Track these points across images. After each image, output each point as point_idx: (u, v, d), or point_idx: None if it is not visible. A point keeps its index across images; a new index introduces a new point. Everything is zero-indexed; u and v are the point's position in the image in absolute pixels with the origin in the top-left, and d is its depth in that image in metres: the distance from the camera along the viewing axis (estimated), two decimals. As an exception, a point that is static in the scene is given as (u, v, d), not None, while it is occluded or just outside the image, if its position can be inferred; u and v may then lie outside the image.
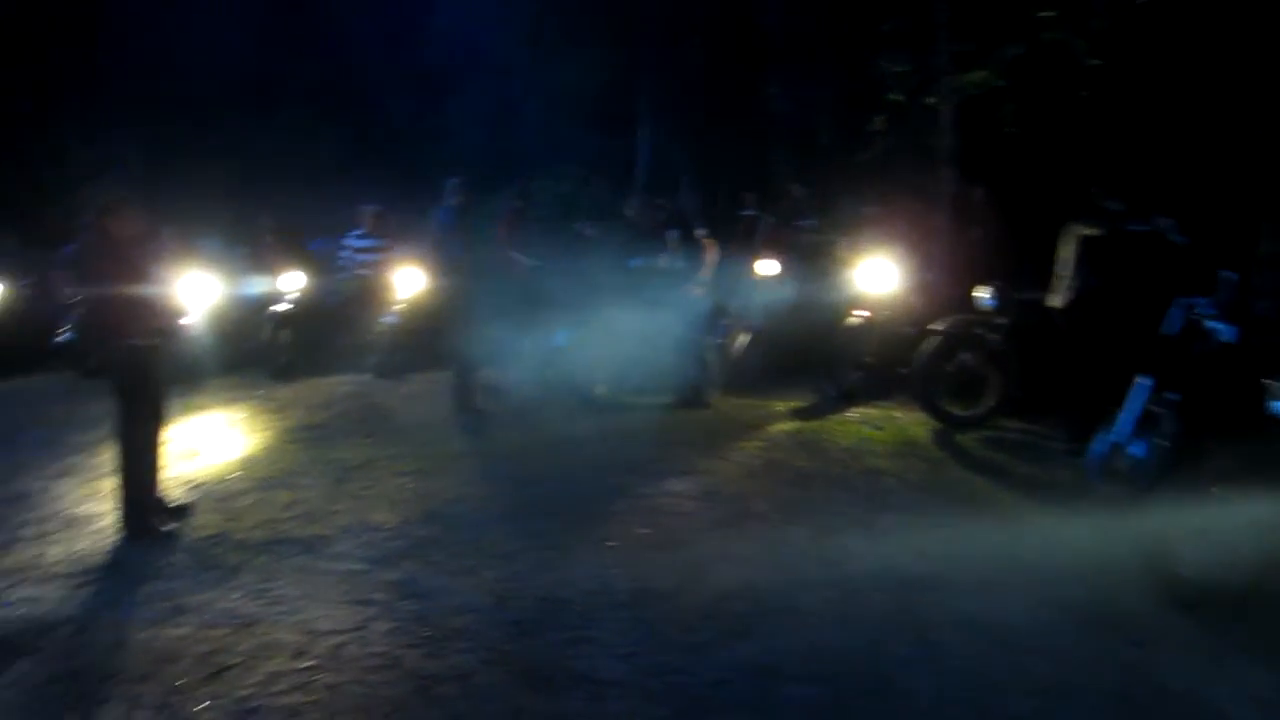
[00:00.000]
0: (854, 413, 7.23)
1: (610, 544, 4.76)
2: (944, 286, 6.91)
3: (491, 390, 7.76)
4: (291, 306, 9.48)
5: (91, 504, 5.63)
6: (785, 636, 3.80)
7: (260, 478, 6.04)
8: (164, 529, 5.05)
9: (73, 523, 5.29)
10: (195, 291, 9.51)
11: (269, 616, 4.02)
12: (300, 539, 4.93)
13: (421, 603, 4.13)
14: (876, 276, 7.25)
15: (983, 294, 6.72)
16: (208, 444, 6.97)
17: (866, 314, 7.28)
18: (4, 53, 15.59)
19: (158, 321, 5.05)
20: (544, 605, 4.10)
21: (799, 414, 7.20)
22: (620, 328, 6.97)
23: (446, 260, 7.91)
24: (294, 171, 13.06)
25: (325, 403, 8.30)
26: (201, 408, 8.39)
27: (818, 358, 7.58)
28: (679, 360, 7.27)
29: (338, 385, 9.08)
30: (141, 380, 5.05)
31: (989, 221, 6.89)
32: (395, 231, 9.60)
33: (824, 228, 8.61)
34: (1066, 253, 6.14)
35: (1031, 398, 6.74)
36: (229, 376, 9.57)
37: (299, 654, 3.70)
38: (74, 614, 4.10)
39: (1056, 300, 6.19)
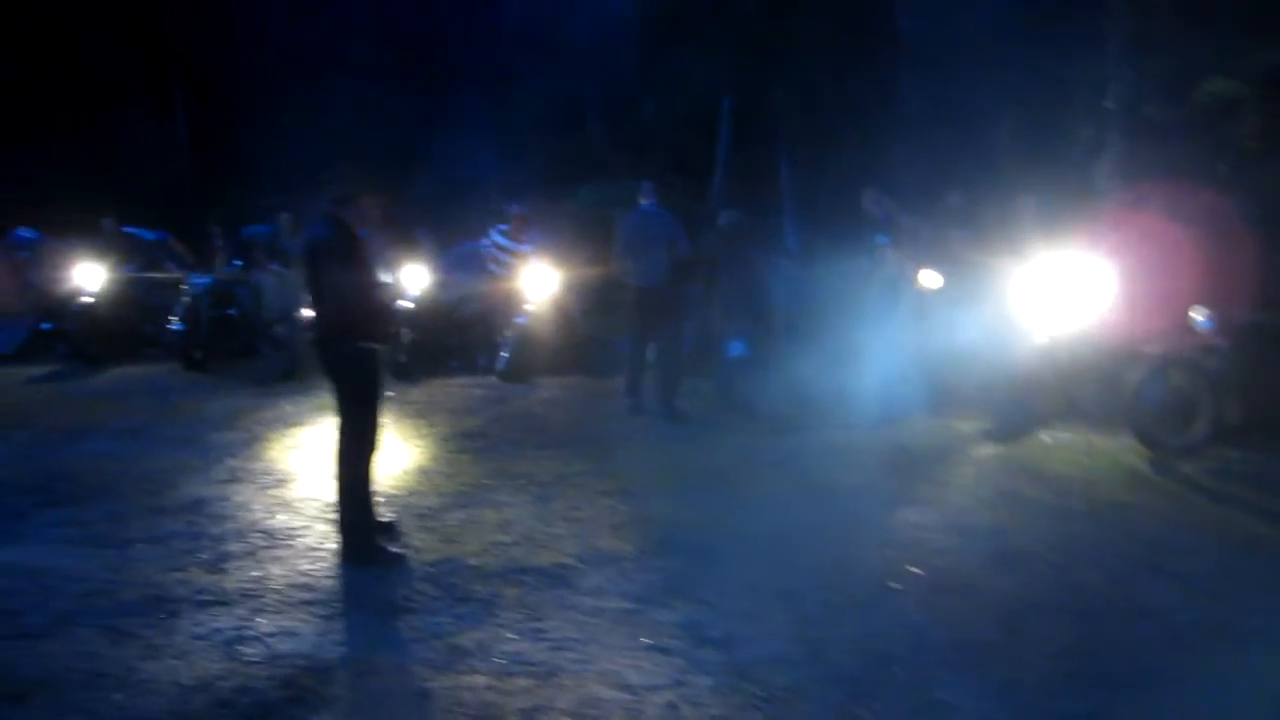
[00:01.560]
0: (1045, 437, 6.80)
1: (893, 585, 4.33)
2: (1156, 305, 6.49)
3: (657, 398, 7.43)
4: (413, 305, 9.05)
5: (283, 516, 5.20)
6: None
7: (451, 493, 5.62)
8: (393, 549, 4.62)
9: (276, 539, 4.86)
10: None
11: (566, 665, 3.58)
12: (542, 568, 4.49)
13: (725, 652, 3.69)
14: (1076, 292, 6.79)
15: (1198, 315, 6.33)
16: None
17: (1054, 334, 6.84)
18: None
19: (391, 323, 4.62)
20: (866, 660, 3.65)
21: (991, 437, 6.76)
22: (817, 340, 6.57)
23: (635, 262, 7.50)
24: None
25: (465, 407, 7.89)
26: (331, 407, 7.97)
27: (998, 379, 7.13)
28: (879, 378, 6.86)
29: (467, 388, 8.67)
30: (375, 389, 4.62)
31: (1233, 235, 6.46)
32: (536, 234, 9.18)
33: (982, 237, 8.15)
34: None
35: (1249, 426, 6.34)
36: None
37: (633, 714, 3.27)
38: (345, 654, 3.67)
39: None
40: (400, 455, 6.38)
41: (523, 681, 3.46)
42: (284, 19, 20.60)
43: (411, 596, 4.19)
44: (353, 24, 21.56)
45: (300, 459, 6.37)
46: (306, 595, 4.19)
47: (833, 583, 4.36)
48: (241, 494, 5.62)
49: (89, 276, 9.80)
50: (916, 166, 9.09)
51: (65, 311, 9.99)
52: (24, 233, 10.63)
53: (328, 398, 8.05)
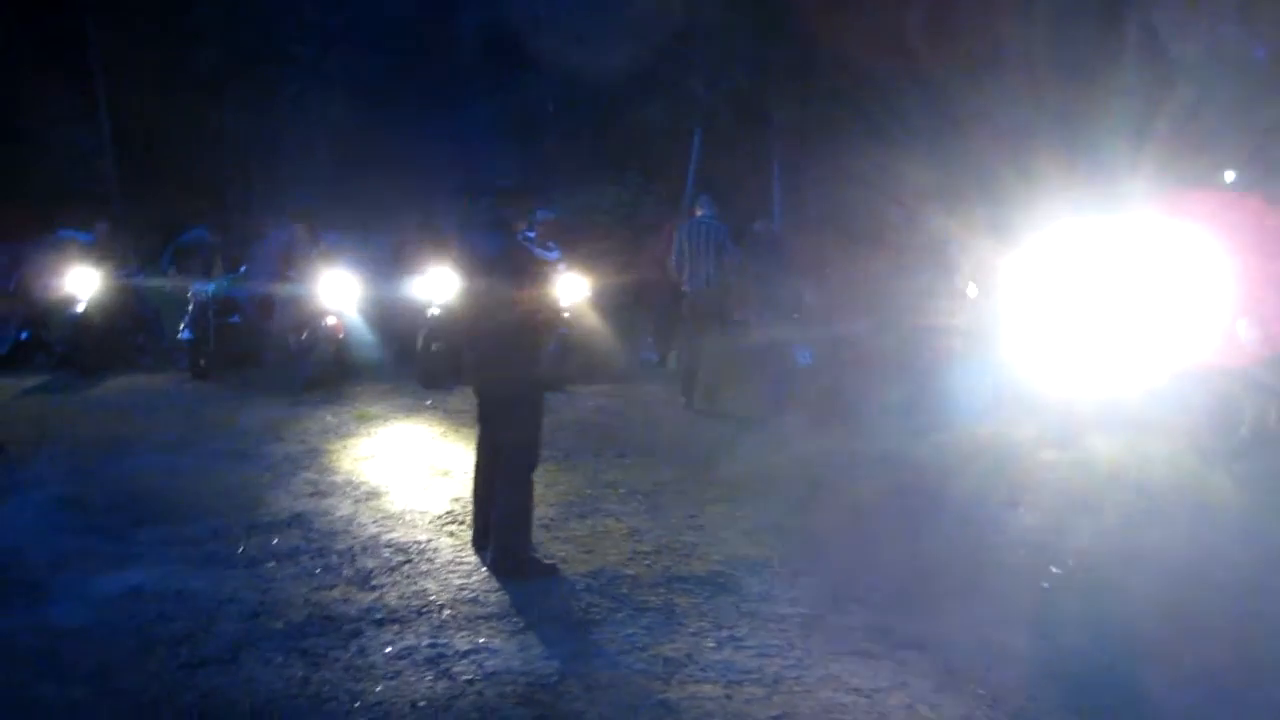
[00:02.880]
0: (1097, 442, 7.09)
1: (1044, 584, 4.47)
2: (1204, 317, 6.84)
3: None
4: (442, 312, 8.88)
5: (399, 530, 5.06)
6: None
7: (559, 502, 5.54)
8: (545, 560, 4.55)
9: (409, 553, 4.72)
10: (342, 292, 8.90)
11: (783, 672, 3.58)
12: (699, 577, 4.48)
13: (927, 653, 3.75)
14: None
15: (1242, 329, 6.72)
16: (443, 460, 6.42)
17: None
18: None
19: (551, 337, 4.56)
20: (1065, 655, 3.78)
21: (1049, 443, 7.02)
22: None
23: (690, 269, 7.58)
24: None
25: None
26: (381, 417, 7.79)
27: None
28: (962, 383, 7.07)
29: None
30: (540, 407, 4.54)
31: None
32: (566, 239, 9.12)
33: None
34: None
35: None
36: (374, 383, 8.97)
37: (879, 716, 3.31)
38: (561, 668, 3.59)
39: None
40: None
41: (754, 690, 3.46)
42: (220, 17, 19.98)
43: (589, 608, 4.14)
44: (305, 21, 21.00)
45: (376, 471, 6.21)
46: (480, 610, 4.08)
47: (986, 583, 4.48)
48: (339, 508, 5.43)
49: (80, 282, 9.29)
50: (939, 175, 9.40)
51: (52, 319, 9.46)
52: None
53: (364, 407, 8.05)
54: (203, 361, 9.23)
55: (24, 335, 9.82)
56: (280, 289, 8.83)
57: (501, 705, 3.31)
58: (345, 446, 6.81)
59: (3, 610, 4.03)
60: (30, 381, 9.10)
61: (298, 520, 5.21)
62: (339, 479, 6.01)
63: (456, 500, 5.49)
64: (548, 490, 5.76)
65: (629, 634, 3.89)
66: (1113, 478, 6.21)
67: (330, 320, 8.66)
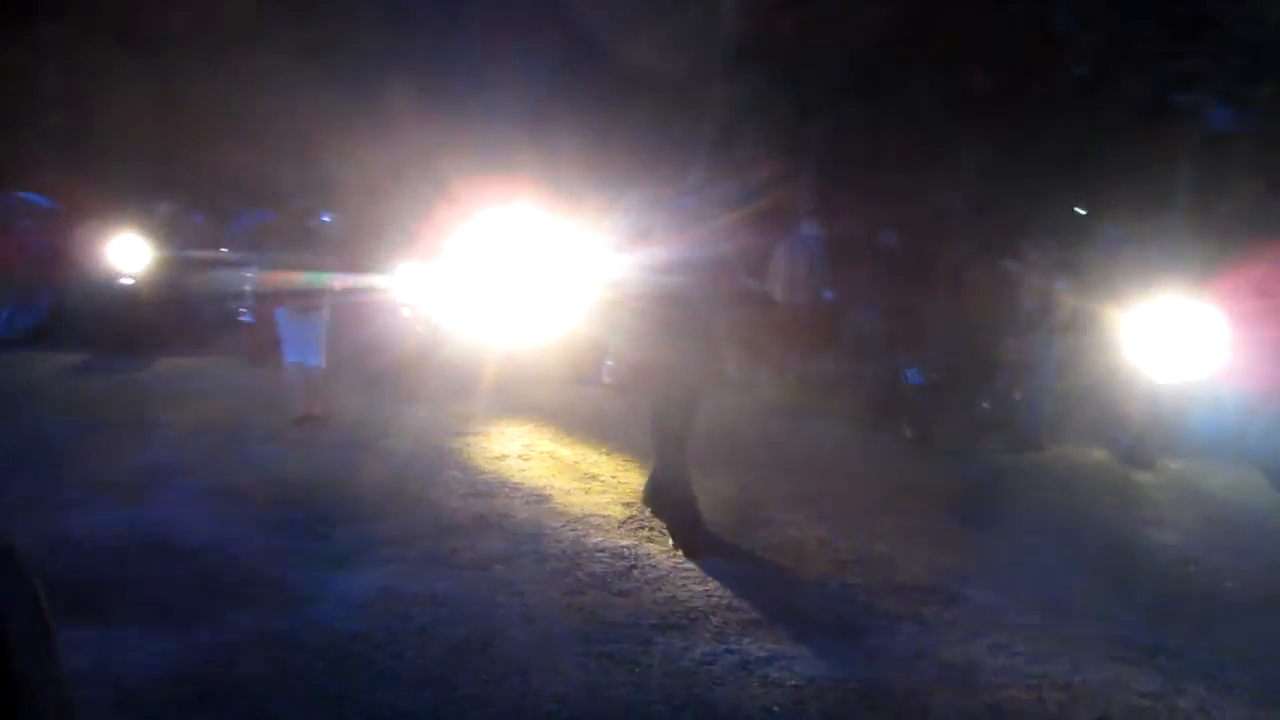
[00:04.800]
0: (1172, 464, 7.58)
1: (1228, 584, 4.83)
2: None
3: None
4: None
5: (601, 534, 5.04)
6: None
7: (724, 509, 5.59)
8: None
9: (628, 559, 4.70)
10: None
11: (1072, 678, 3.75)
12: (925, 587, 4.63)
13: (1178, 660, 3.99)
14: (1192, 338, 7.60)
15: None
16: (574, 459, 6.41)
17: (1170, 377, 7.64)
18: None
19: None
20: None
21: (1126, 462, 7.47)
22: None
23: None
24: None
25: (600, 421, 7.69)
26: (471, 413, 7.67)
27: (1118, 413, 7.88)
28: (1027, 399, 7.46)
29: (557, 394, 8.45)
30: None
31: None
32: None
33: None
34: None
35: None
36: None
37: (1175, 715, 3.53)
38: (868, 675, 3.69)
39: None
40: (622, 469, 6.28)
41: (1056, 694, 3.64)
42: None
43: (844, 616, 4.26)
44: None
45: (525, 470, 6.14)
46: (745, 617, 4.13)
47: (1178, 594, 4.80)
48: (518, 510, 5.35)
49: (129, 256, 8.81)
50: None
51: (91, 294, 8.95)
52: (29, 197, 9.40)
53: (465, 404, 7.88)
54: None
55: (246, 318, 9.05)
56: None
57: (848, 709, 3.40)
58: (467, 444, 6.70)
59: (261, 610, 3.87)
60: (67, 359, 8.58)
61: (484, 521, 5.13)
62: (490, 479, 5.91)
63: (628, 506, 5.50)
64: (708, 498, 5.86)
65: (902, 641, 4.03)
66: (1203, 495, 6.70)
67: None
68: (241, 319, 8.91)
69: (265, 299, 7.64)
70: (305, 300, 6.76)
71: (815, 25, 10.24)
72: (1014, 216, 10.42)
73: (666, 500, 5.22)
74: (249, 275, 8.75)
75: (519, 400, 8.11)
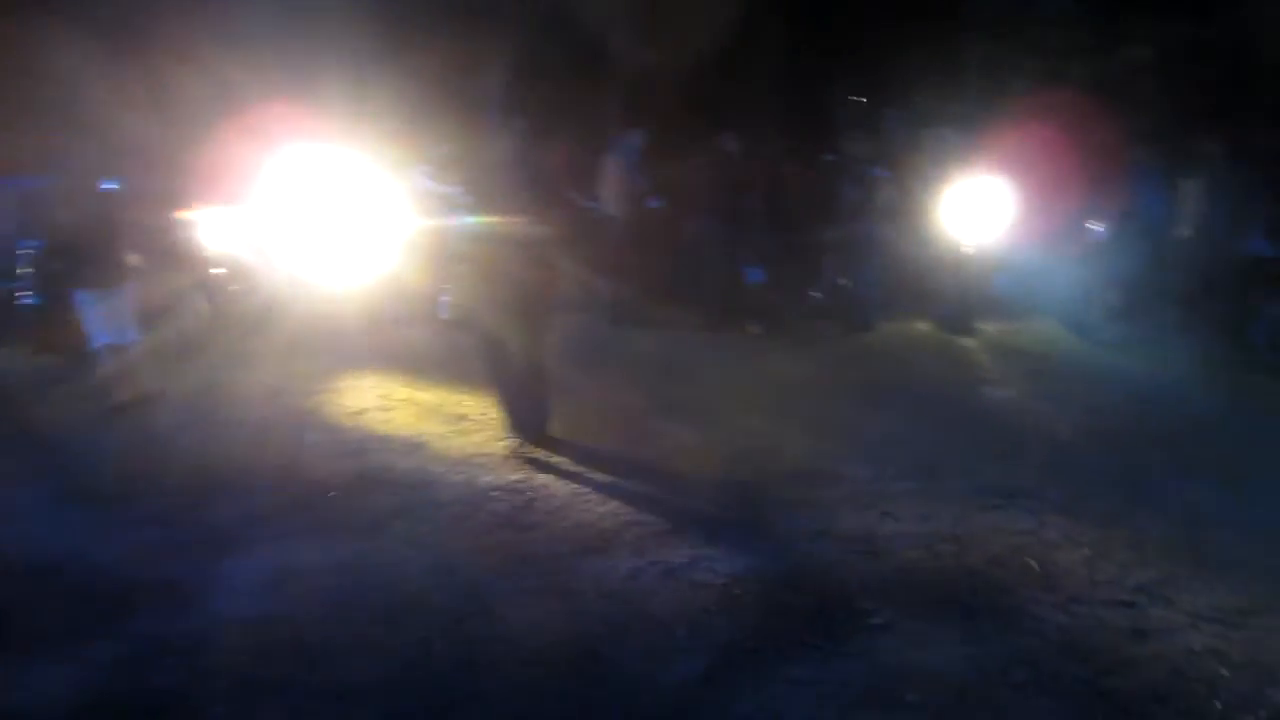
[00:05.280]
0: (986, 328, 8.30)
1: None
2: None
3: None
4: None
5: (488, 474, 4.97)
6: None
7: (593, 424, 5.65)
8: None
9: (527, 493, 4.70)
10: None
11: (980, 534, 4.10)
12: (816, 471, 4.89)
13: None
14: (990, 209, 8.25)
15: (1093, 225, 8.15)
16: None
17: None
18: None
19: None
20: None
21: (947, 331, 8.11)
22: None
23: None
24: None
25: (415, 354, 7.47)
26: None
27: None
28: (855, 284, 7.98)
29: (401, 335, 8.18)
30: None
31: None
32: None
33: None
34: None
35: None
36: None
37: None
38: (767, 564, 3.88)
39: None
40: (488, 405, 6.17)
41: (947, 547, 4.01)
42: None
43: (748, 510, 4.44)
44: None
45: (390, 421, 5.90)
46: (655, 528, 4.21)
47: (1022, 441, 5.32)
48: (397, 463, 5.13)
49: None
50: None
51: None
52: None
53: (303, 362, 7.37)
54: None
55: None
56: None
57: (776, 594, 3.58)
58: (316, 403, 6.38)
59: (156, 614, 3.57)
60: None
61: (366, 481, 4.93)
62: (357, 435, 5.68)
63: (505, 441, 5.44)
64: (582, 417, 5.86)
65: (804, 524, 4.26)
66: (1020, 351, 7.42)
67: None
68: (22, 302, 7.94)
69: (54, 278, 6.84)
70: (107, 273, 6.09)
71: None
72: (823, 114, 10.88)
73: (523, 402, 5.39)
74: (24, 252, 7.82)
75: (359, 350, 7.75)
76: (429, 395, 6.49)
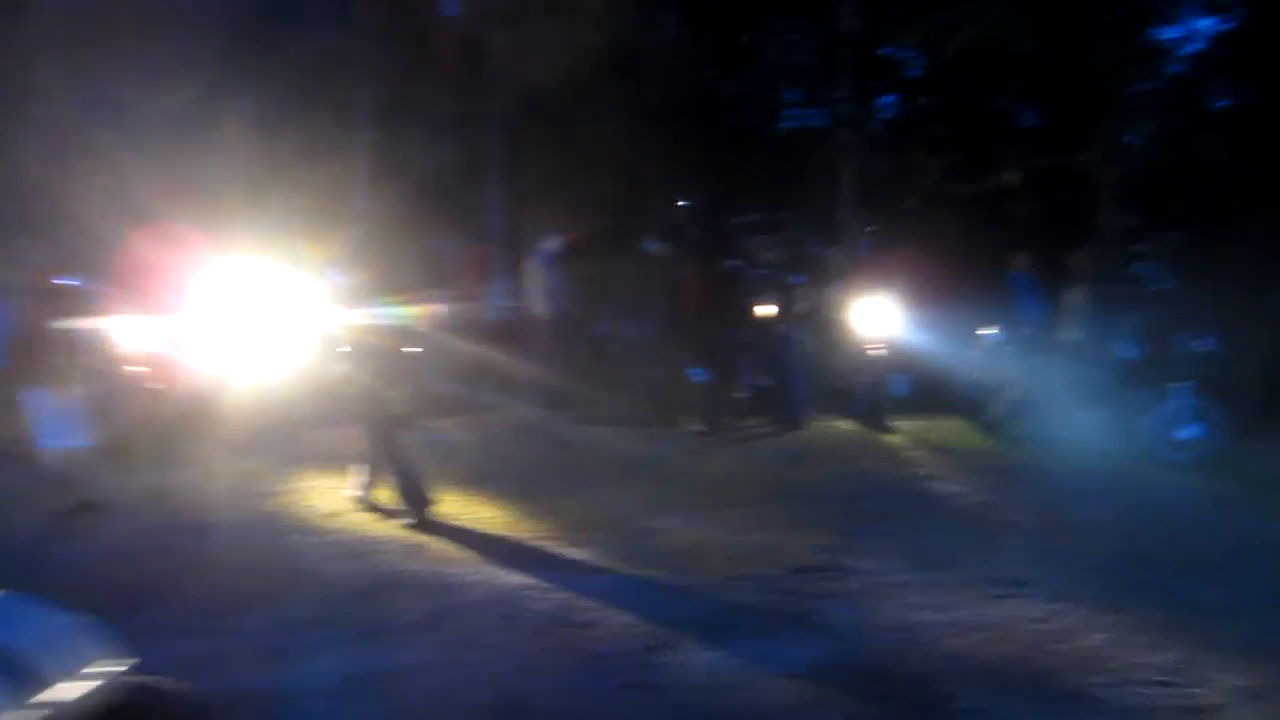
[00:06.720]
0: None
1: None
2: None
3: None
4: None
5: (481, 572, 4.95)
6: None
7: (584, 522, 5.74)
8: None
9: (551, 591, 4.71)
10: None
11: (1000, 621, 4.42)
12: (822, 566, 5.13)
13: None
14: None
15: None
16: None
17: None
18: None
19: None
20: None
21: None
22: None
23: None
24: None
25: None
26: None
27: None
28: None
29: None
30: None
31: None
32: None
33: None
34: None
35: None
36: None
37: None
38: (831, 657, 4.08)
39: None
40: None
41: (980, 635, 4.32)
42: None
43: (776, 605, 4.62)
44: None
45: (380, 520, 5.77)
46: (702, 623, 4.34)
47: (990, 533, 5.79)
48: (413, 564, 5.07)
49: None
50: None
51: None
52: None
53: (245, 462, 6.99)
54: None
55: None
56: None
57: (859, 688, 3.79)
58: (280, 504, 6.12)
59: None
60: None
61: (391, 581, 4.80)
62: (348, 536, 5.50)
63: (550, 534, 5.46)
64: (567, 515, 5.93)
65: (841, 618, 4.49)
66: (941, 448, 8.11)
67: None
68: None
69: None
70: (62, 372, 5.72)
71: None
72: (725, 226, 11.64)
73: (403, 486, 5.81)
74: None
75: (297, 449, 7.52)
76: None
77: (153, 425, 7.43)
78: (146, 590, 4.57)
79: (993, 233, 9.10)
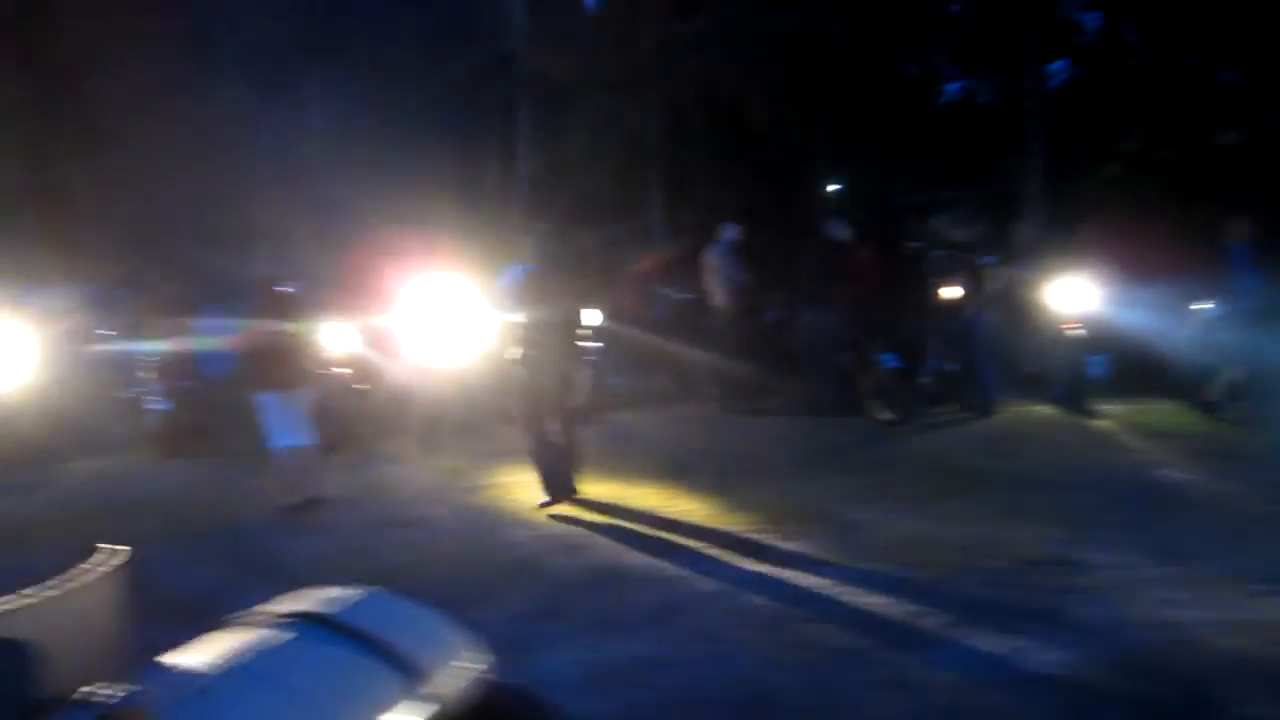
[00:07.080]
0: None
1: None
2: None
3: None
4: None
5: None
6: None
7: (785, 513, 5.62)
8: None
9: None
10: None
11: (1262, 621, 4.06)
12: (1056, 558, 4.81)
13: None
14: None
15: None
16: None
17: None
18: None
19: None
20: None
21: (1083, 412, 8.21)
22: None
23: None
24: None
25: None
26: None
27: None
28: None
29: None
30: None
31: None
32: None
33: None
34: None
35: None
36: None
37: None
38: (1101, 654, 3.79)
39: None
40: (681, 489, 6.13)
41: (1242, 638, 3.95)
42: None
43: (1025, 600, 4.35)
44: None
45: (592, 512, 5.85)
46: (943, 618, 4.15)
47: (1240, 526, 5.29)
48: (642, 553, 5.11)
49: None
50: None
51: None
52: None
53: (444, 458, 7.30)
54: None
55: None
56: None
57: (1140, 683, 3.53)
58: (489, 498, 6.28)
59: None
60: None
61: (638, 575, 4.83)
62: (563, 529, 5.59)
63: (749, 522, 5.40)
64: (767, 508, 5.82)
65: (1097, 612, 4.20)
66: (1158, 431, 7.53)
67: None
68: (151, 407, 7.82)
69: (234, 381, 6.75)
70: (290, 375, 6.04)
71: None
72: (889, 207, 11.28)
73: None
74: (148, 359, 7.78)
75: (490, 444, 7.72)
76: (599, 489, 6.43)
77: (360, 424, 7.82)
78: (383, 584, 4.74)
79: (1205, 200, 8.35)
